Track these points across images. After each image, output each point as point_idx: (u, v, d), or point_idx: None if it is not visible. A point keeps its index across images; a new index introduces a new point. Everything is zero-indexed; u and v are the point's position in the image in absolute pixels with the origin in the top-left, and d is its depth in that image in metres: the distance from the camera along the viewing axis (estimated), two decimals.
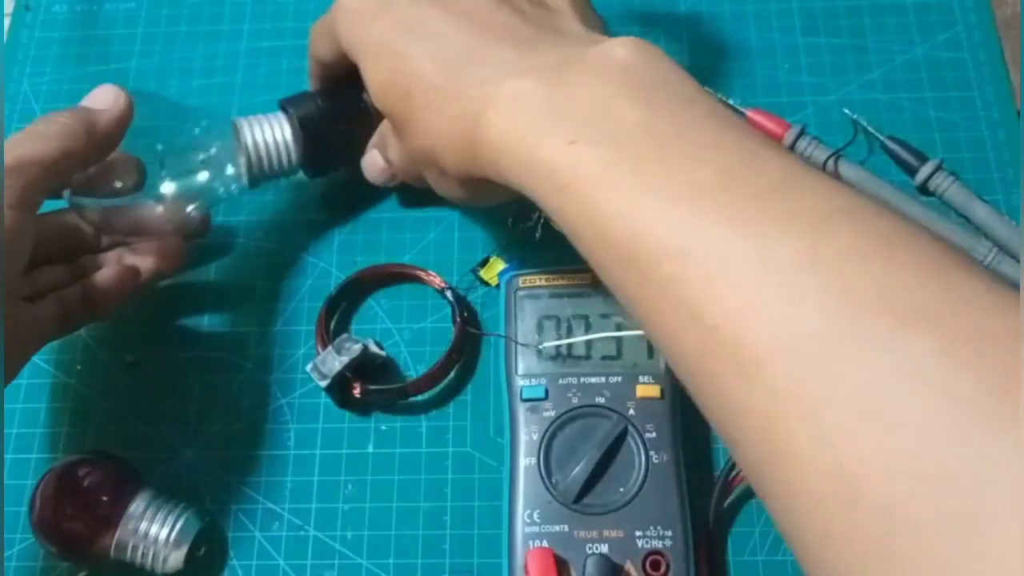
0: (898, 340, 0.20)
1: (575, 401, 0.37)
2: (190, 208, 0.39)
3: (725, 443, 0.24)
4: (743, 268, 0.22)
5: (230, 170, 0.39)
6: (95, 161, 0.36)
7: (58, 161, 0.33)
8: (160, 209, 0.38)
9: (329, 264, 0.43)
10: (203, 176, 0.39)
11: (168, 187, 0.38)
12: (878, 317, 0.20)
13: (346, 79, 0.40)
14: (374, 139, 0.41)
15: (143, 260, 0.40)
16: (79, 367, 0.42)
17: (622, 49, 0.28)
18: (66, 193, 0.37)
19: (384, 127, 0.39)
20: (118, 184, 0.37)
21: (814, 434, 0.20)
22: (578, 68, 0.28)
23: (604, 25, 0.34)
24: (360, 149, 0.41)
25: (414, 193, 0.44)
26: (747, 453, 0.23)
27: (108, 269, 0.39)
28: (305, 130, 0.40)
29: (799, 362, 0.21)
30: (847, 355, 0.20)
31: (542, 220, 0.42)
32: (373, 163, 0.40)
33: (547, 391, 0.37)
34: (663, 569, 0.34)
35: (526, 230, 0.43)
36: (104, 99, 0.36)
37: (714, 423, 0.24)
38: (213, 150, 0.39)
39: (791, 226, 0.22)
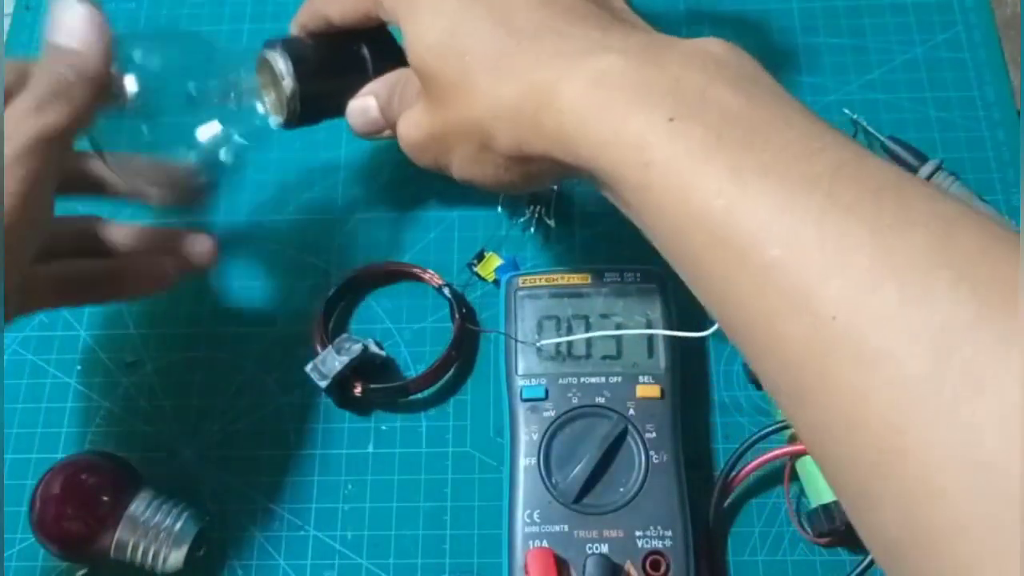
0: None
1: (575, 401, 0.37)
2: (223, 153, 0.37)
3: (819, 442, 0.23)
4: (866, 258, 0.21)
5: (260, 108, 0.38)
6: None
7: (68, 131, 0.32)
8: (193, 156, 0.37)
9: (329, 264, 0.43)
10: (236, 114, 0.37)
11: (203, 131, 0.36)
12: (1021, 314, 0.19)
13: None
14: (375, 86, 0.37)
15: (178, 257, 0.39)
16: (79, 367, 0.42)
17: (715, 44, 0.27)
18: (89, 140, 0.36)
19: (403, 87, 0.36)
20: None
21: (957, 431, 0.19)
22: (673, 53, 0.27)
23: None
24: (346, 102, 0.38)
25: (415, 192, 0.45)
26: (857, 452, 0.22)
27: (146, 255, 0.37)
28: (299, 78, 0.36)
29: (937, 355, 0.20)
30: (992, 350, 0.19)
31: (535, 214, 0.42)
32: (364, 112, 0.37)
33: (547, 391, 0.37)
34: (663, 569, 0.34)
35: (521, 224, 0.43)
36: (82, 33, 0.32)
37: (808, 418, 0.23)
38: (244, 87, 0.37)
39: (915, 222, 0.21)
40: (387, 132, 0.37)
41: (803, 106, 0.26)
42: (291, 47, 0.37)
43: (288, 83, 0.37)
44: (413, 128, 0.34)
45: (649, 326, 0.38)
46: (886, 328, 0.21)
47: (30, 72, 0.32)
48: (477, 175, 0.32)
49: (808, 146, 0.24)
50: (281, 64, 0.37)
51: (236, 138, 0.38)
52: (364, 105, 0.37)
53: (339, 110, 0.38)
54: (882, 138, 0.44)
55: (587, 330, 0.38)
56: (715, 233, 0.24)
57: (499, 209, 0.43)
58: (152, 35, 0.37)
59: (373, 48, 0.37)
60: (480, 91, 0.30)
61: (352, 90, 0.38)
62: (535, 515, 0.35)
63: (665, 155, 0.25)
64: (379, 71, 0.37)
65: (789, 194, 0.23)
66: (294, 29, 0.39)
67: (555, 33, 0.29)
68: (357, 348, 0.39)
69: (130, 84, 0.34)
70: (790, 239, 0.22)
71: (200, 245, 0.40)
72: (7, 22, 0.52)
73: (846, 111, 0.45)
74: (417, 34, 0.31)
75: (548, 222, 0.43)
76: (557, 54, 0.28)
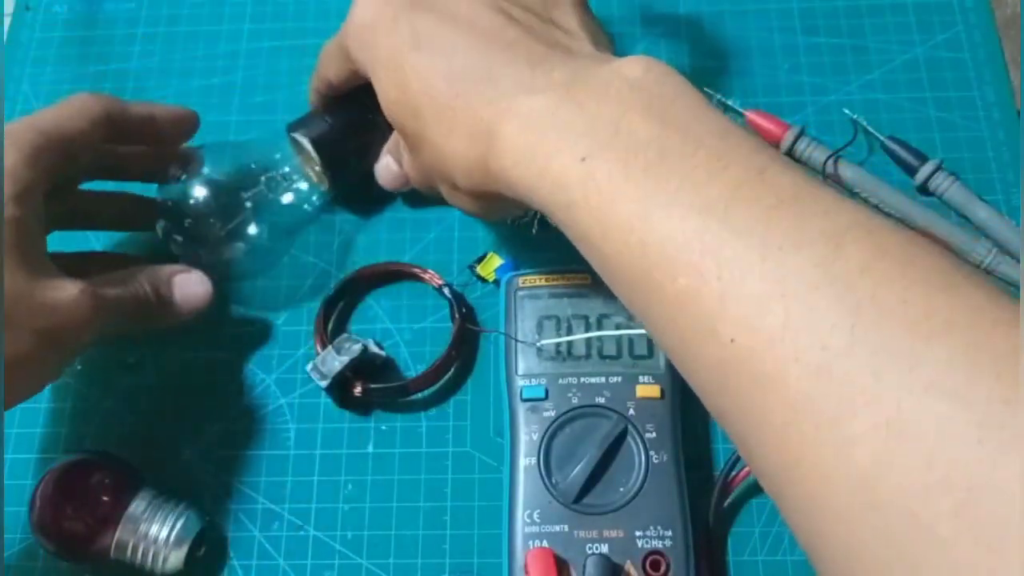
0: (915, 352, 0.20)
1: (575, 401, 0.37)
2: (289, 229, 0.42)
3: (743, 455, 0.25)
4: (757, 282, 0.22)
5: (305, 185, 0.41)
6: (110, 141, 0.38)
7: (74, 139, 0.36)
8: (244, 248, 0.40)
9: (329, 264, 0.43)
10: (288, 200, 0.41)
11: (259, 228, 0.40)
12: (894, 330, 0.20)
13: (351, 94, 0.41)
14: (389, 145, 0.41)
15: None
16: (79, 367, 0.42)
17: (632, 67, 0.28)
18: (160, 224, 0.40)
19: (398, 137, 0.38)
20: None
21: (836, 446, 0.20)
22: (590, 85, 0.28)
23: (612, 44, 0.34)
24: (372, 159, 0.42)
25: (415, 192, 0.45)
26: (765, 464, 0.23)
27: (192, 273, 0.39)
28: (320, 152, 0.41)
29: (818, 375, 0.21)
30: (866, 367, 0.20)
31: (538, 216, 0.42)
32: (387, 169, 0.41)
33: (547, 391, 0.37)
34: (663, 569, 0.34)
35: (522, 225, 0.43)
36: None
37: (732, 434, 0.25)
38: (289, 173, 0.41)
39: (804, 241, 0.22)
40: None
41: (720, 120, 0.27)
42: (311, 124, 0.41)
43: (316, 158, 0.41)
44: (408, 170, 0.38)
45: None
46: (774, 351, 0.22)
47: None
48: (459, 207, 0.35)
49: (712, 167, 0.25)
50: (307, 143, 0.41)
51: (296, 213, 0.42)
52: (385, 164, 0.42)
53: (368, 168, 0.42)
54: (882, 138, 0.44)
55: (587, 330, 0.38)
56: (632, 267, 0.25)
57: (508, 221, 0.43)
58: (209, 152, 0.41)
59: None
60: (434, 142, 0.32)
61: (372, 148, 0.42)
62: (535, 515, 0.35)
63: (582, 195, 0.26)
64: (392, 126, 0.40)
65: (691, 223, 0.24)
66: (311, 95, 0.42)
67: (488, 78, 0.30)
68: (357, 348, 0.39)
69: (200, 192, 0.39)
70: (693, 268, 0.24)
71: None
72: (7, 22, 0.52)
73: (846, 111, 0.45)
74: (381, 91, 0.33)
75: (550, 222, 0.42)
76: (490, 101, 0.29)
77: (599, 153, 0.26)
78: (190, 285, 0.39)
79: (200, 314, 0.39)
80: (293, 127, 0.41)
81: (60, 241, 0.39)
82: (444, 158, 0.31)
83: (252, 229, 0.40)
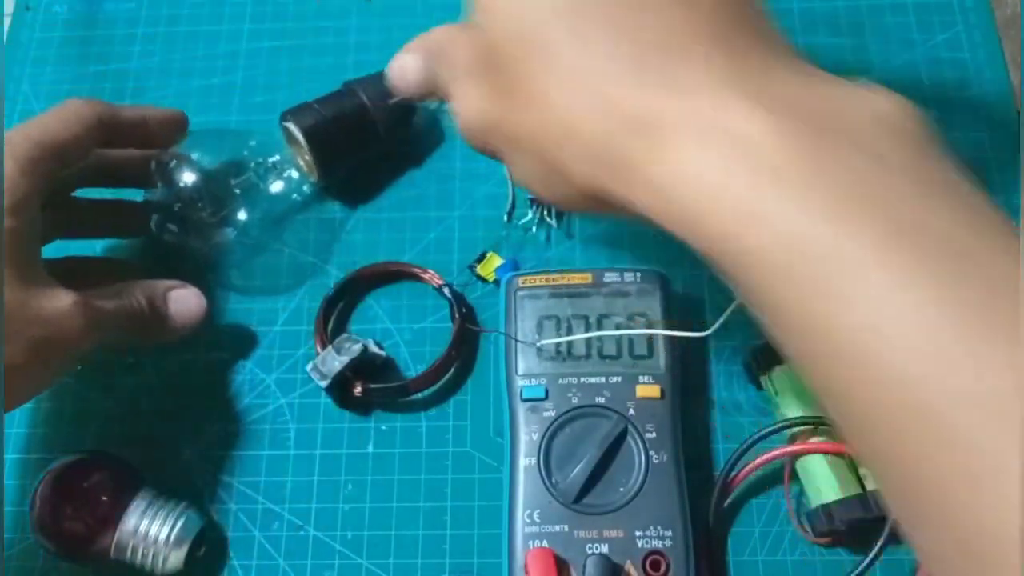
0: None
1: (575, 401, 0.37)
2: (280, 217, 0.42)
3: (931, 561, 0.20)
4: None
5: (295, 174, 0.42)
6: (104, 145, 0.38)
7: (68, 146, 0.36)
8: (233, 233, 0.41)
9: (329, 264, 0.43)
10: (277, 189, 0.42)
11: (248, 215, 0.41)
12: None
13: (347, 85, 0.41)
14: (423, 43, 0.30)
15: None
16: (79, 367, 0.42)
17: (887, 103, 0.23)
18: (153, 218, 0.40)
19: (452, 45, 0.29)
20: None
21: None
22: (833, 119, 0.22)
23: None
24: (363, 152, 0.42)
25: (415, 192, 0.45)
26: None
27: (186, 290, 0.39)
28: (311, 141, 0.41)
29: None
30: None
31: (538, 215, 0.42)
32: (403, 69, 0.31)
33: (547, 391, 0.37)
34: (663, 569, 0.34)
35: (522, 225, 0.43)
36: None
37: (927, 542, 0.20)
38: (280, 162, 0.42)
39: None
40: (430, 96, 0.31)
41: (971, 187, 0.22)
42: (304, 114, 0.42)
43: (306, 147, 0.41)
44: (468, 109, 0.28)
45: (649, 326, 0.38)
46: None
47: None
48: (538, 191, 0.27)
49: (996, 267, 0.19)
50: (298, 132, 0.41)
51: (286, 202, 0.43)
52: (403, 63, 0.31)
53: (359, 153, 0.43)
54: None
55: (587, 330, 0.38)
56: (858, 364, 0.20)
57: (505, 219, 0.43)
58: (198, 138, 0.42)
59: (371, 93, 0.42)
60: (553, 103, 0.24)
61: (364, 141, 0.42)
62: (535, 515, 0.35)
63: (831, 267, 0.20)
64: (379, 109, 0.42)
65: (964, 338, 0.18)
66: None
67: (672, 51, 0.22)
68: (357, 348, 0.39)
69: (188, 178, 0.40)
70: (958, 393, 0.18)
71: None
72: (7, 22, 0.52)
73: None
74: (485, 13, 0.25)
75: (549, 222, 0.43)
76: (665, 83, 0.22)
77: (850, 219, 0.20)
78: (185, 300, 0.39)
79: (194, 329, 0.39)
80: (285, 116, 0.42)
81: (58, 245, 0.39)
82: (557, 130, 0.24)
83: (241, 215, 0.41)
